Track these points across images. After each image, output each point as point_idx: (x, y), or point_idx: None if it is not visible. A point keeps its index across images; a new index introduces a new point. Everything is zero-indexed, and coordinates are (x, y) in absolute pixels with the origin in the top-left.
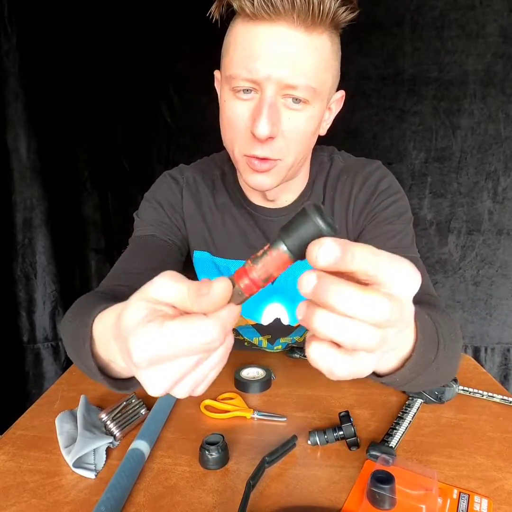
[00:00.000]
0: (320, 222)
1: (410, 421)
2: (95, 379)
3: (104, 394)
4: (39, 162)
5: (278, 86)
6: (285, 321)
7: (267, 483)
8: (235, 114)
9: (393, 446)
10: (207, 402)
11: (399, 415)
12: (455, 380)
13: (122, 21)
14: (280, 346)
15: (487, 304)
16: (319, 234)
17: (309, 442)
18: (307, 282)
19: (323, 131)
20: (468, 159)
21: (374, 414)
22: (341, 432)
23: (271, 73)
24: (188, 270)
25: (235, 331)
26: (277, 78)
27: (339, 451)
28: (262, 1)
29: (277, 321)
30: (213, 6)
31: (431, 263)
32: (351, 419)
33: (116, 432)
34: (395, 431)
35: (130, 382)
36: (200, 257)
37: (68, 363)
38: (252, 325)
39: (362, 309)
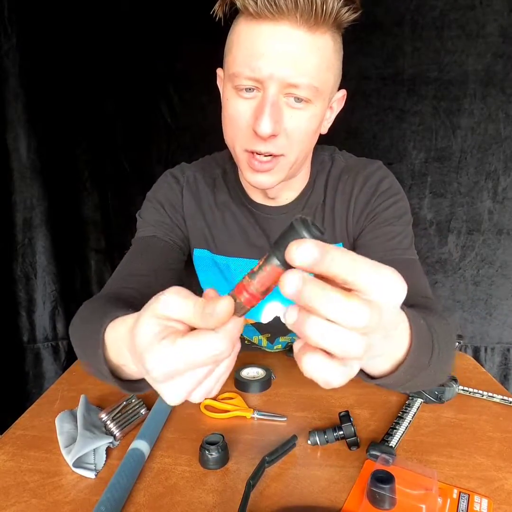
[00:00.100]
0: (305, 235)
1: (410, 421)
2: (105, 381)
3: (104, 394)
4: (39, 162)
5: (281, 85)
6: None
7: (267, 483)
8: (237, 112)
9: (393, 446)
10: (207, 402)
11: (399, 415)
12: (455, 380)
13: (122, 21)
14: (279, 345)
15: (487, 304)
16: None
17: (309, 442)
18: (289, 281)
19: (324, 130)
20: (468, 159)
21: (374, 414)
22: (341, 432)
23: (274, 72)
24: (188, 269)
25: None
26: (279, 77)
27: (339, 451)
28: (265, 0)
29: (277, 319)
30: (217, 4)
31: (431, 263)
32: (351, 419)
33: (116, 432)
34: (395, 430)
35: (141, 383)
36: (199, 255)
37: (68, 363)
38: (251, 324)
39: (342, 313)
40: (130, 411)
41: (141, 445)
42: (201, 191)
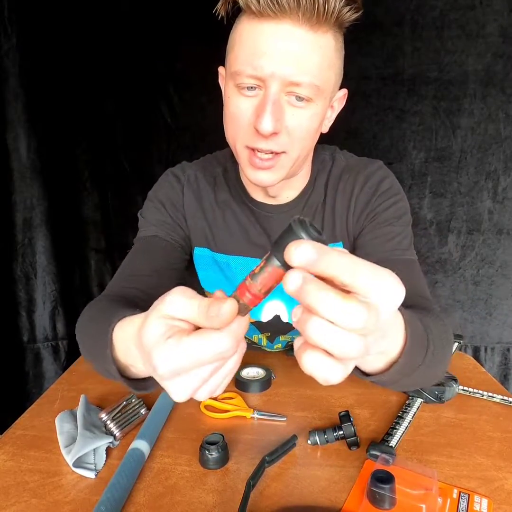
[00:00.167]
0: (303, 236)
1: (410, 421)
2: (113, 380)
3: (104, 394)
4: (39, 162)
5: (282, 83)
6: (285, 318)
7: (267, 483)
8: (239, 110)
9: (393, 446)
10: (207, 401)
11: (399, 414)
12: (455, 380)
13: (122, 21)
14: (279, 345)
15: (487, 303)
16: None
17: (309, 441)
18: (291, 280)
19: (325, 129)
20: (468, 159)
21: (374, 414)
22: (341, 432)
23: (276, 70)
24: (190, 268)
25: None
26: (281, 75)
27: (339, 451)
28: None
29: (277, 318)
30: (219, 3)
31: (431, 263)
32: (351, 419)
33: (116, 432)
34: (395, 430)
35: (148, 382)
36: (200, 253)
37: (68, 363)
38: (252, 322)
39: (340, 314)
40: (130, 411)
41: (141, 445)
42: (202, 190)
